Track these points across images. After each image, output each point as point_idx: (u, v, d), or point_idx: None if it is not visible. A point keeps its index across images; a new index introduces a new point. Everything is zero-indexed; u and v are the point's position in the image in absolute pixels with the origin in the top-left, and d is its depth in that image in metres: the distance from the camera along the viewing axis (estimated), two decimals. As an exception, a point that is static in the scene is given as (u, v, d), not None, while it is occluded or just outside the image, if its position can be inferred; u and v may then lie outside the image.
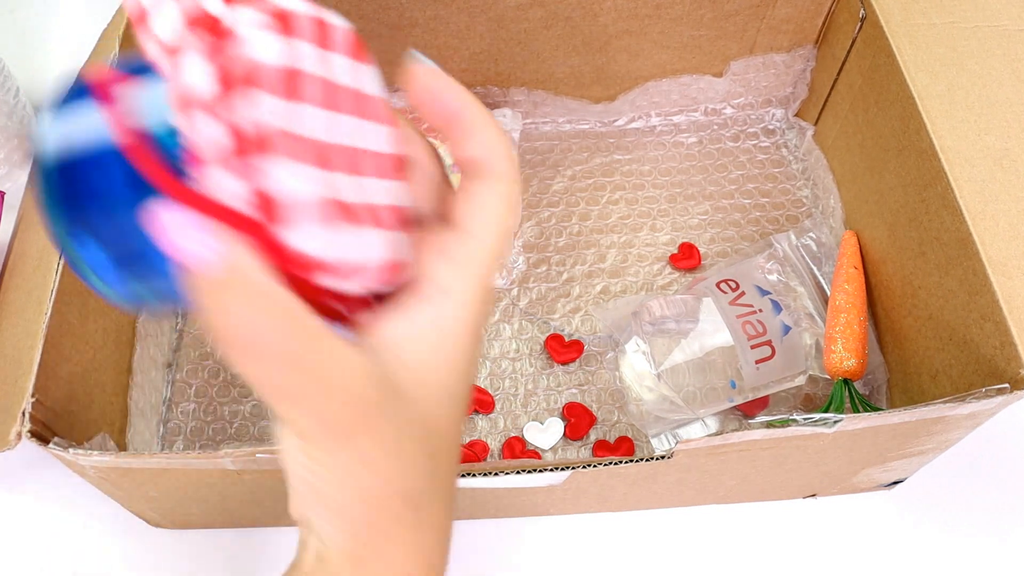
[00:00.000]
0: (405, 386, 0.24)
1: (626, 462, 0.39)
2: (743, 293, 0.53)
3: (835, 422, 0.37)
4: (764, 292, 0.53)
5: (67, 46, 0.59)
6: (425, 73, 0.25)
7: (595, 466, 0.39)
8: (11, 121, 0.60)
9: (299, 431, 0.23)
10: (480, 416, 0.54)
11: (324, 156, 0.22)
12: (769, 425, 0.37)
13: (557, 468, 0.39)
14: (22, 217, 0.49)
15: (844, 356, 0.51)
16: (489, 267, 0.25)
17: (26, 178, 0.53)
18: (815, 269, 0.57)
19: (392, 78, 0.26)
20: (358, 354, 0.23)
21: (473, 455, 0.53)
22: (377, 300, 0.24)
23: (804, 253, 0.58)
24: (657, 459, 0.39)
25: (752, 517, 0.51)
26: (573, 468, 0.39)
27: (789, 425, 0.37)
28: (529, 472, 0.39)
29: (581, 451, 0.54)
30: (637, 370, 0.53)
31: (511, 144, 0.25)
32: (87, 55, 0.52)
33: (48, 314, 0.41)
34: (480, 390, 0.55)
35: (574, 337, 0.57)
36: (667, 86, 0.64)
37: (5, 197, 0.51)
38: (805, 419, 0.37)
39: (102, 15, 0.53)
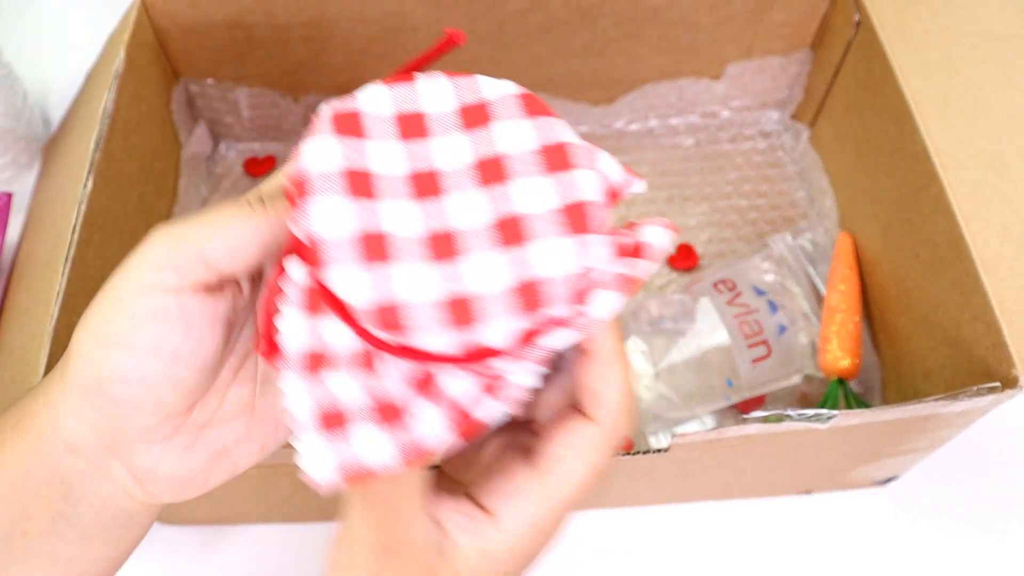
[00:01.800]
0: None
1: (624, 455, 0.39)
2: (740, 293, 0.54)
3: (829, 418, 0.38)
4: (760, 292, 0.54)
5: (73, 50, 0.59)
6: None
7: (594, 461, 0.39)
8: (18, 124, 0.60)
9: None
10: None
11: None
12: (764, 421, 0.38)
13: None
14: (30, 219, 0.49)
15: (839, 356, 0.52)
16: (554, 513, 0.27)
17: (33, 180, 0.53)
18: (811, 270, 0.58)
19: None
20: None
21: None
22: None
23: (800, 254, 0.58)
24: (654, 453, 0.39)
25: (748, 513, 0.52)
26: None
27: (784, 421, 0.37)
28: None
29: (580, 449, 0.54)
30: (635, 369, 0.54)
31: (625, 398, 0.27)
32: (94, 59, 0.53)
33: (55, 315, 0.41)
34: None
35: (573, 337, 0.58)
36: (665, 89, 0.65)
37: (13, 199, 0.51)
38: (799, 415, 0.37)
39: (109, 19, 0.54)
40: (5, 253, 0.50)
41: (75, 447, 0.26)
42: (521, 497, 0.27)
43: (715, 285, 0.54)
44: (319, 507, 0.49)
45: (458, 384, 0.24)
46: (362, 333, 0.23)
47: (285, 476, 0.43)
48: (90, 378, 0.25)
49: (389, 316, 0.22)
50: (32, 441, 0.26)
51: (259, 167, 0.66)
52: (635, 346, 0.54)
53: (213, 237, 0.25)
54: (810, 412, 0.37)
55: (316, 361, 0.24)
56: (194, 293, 0.25)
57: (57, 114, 0.66)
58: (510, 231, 0.24)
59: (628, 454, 0.39)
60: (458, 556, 0.26)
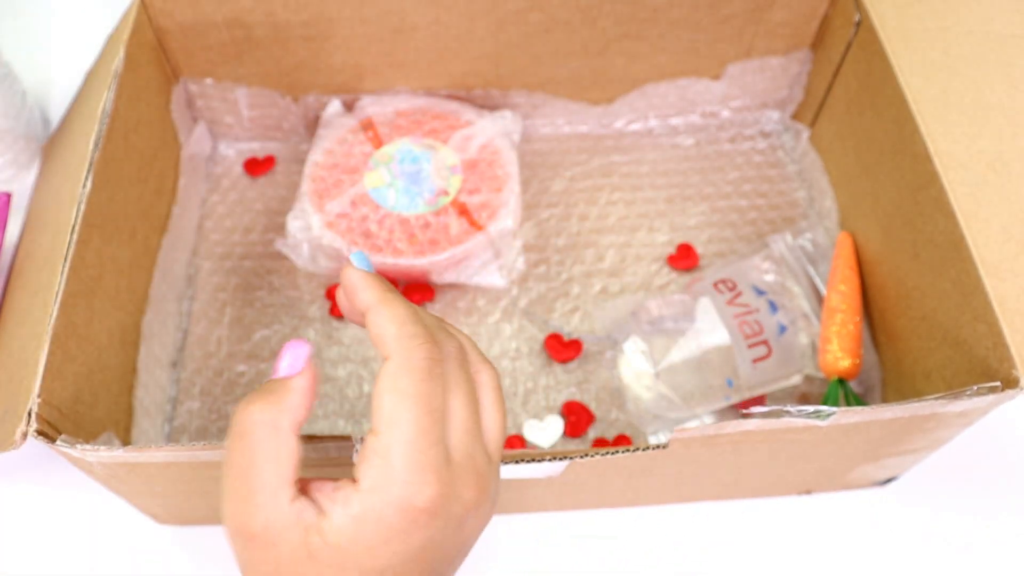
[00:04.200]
0: (321, 555, 0.28)
1: (623, 452, 0.39)
2: (740, 293, 0.54)
3: (828, 415, 0.37)
4: (761, 292, 0.54)
5: (73, 49, 0.59)
6: (348, 273, 0.32)
7: (593, 456, 0.39)
8: (18, 123, 0.60)
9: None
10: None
11: None
12: (764, 417, 0.38)
13: (556, 458, 0.39)
14: (29, 218, 0.49)
15: (839, 356, 0.52)
16: (405, 455, 0.28)
17: (33, 180, 0.53)
18: (811, 270, 0.58)
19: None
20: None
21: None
22: None
23: (800, 254, 0.58)
24: (654, 448, 0.39)
25: (748, 513, 0.52)
26: (571, 458, 0.39)
27: (783, 417, 0.37)
28: (528, 462, 0.39)
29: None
30: (635, 369, 0.54)
31: (401, 326, 0.30)
32: (94, 59, 0.53)
33: (54, 315, 0.41)
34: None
35: (573, 336, 0.58)
36: (665, 89, 0.65)
37: (12, 199, 0.51)
38: (799, 411, 0.37)
39: (108, 18, 0.54)
40: (4, 253, 0.50)
41: None
42: (369, 455, 0.28)
43: (715, 285, 0.54)
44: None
45: None
46: None
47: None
48: None
49: None
50: None
51: (258, 167, 0.66)
52: (635, 346, 0.54)
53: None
54: (810, 408, 0.37)
55: None
56: None
57: (57, 114, 0.66)
58: None
59: (628, 450, 0.39)
60: (334, 530, 0.28)
